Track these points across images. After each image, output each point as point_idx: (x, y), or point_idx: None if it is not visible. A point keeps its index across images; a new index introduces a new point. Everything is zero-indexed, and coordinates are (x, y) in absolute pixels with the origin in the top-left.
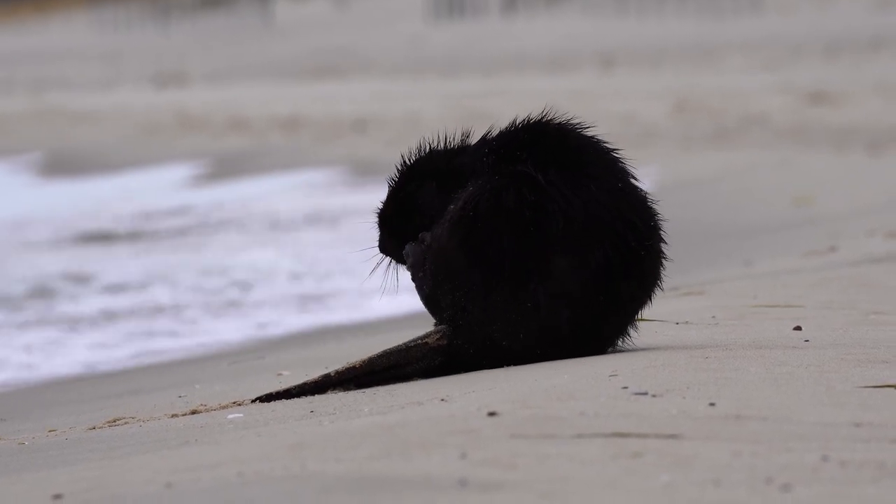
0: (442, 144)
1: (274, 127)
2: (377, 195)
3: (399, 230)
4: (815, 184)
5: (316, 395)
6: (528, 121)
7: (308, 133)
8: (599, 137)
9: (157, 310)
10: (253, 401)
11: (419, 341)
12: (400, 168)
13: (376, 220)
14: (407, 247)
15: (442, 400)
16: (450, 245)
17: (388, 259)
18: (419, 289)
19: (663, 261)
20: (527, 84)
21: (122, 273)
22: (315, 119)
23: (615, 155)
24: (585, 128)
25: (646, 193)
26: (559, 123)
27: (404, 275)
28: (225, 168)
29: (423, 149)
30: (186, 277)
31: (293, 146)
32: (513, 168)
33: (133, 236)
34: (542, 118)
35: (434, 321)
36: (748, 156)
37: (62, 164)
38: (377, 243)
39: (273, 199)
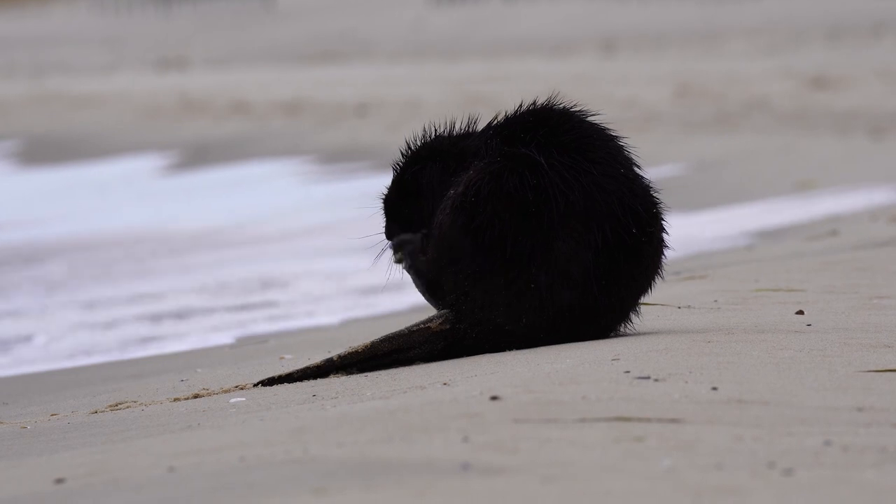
0: (447, 130)
1: (275, 111)
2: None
3: (404, 215)
4: (818, 168)
5: (318, 380)
6: (533, 105)
7: (309, 117)
8: (603, 124)
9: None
10: (255, 385)
11: (421, 325)
12: (405, 152)
13: (381, 206)
14: (393, 241)
15: (444, 384)
16: (452, 230)
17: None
18: (416, 279)
19: (665, 249)
20: (528, 68)
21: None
22: (316, 103)
23: (619, 142)
24: (590, 114)
25: (648, 181)
26: (563, 108)
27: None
28: (218, 154)
29: (428, 134)
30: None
31: (293, 130)
32: (515, 150)
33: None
34: (547, 103)
35: (435, 308)
36: (750, 140)
37: (47, 151)
38: (383, 230)
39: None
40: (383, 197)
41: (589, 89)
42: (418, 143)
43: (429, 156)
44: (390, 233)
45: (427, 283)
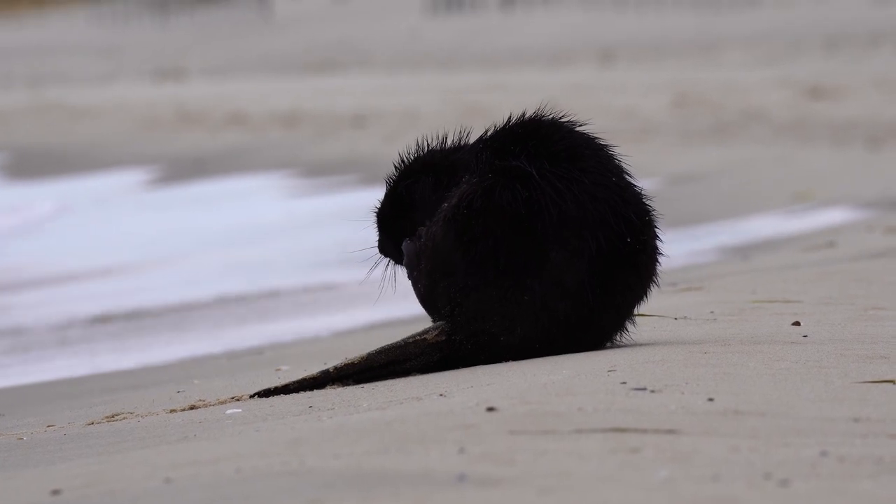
0: (440, 143)
1: (273, 122)
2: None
3: (397, 229)
4: (815, 179)
5: (315, 391)
6: (523, 116)
7: (307, 128)
8: (594, 134)
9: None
10: (251, 396)
11: (417, 337)
12: (398, 165)
13: (374, 219)
14: (404, 244)
15: (440, 395)
16: (444, 243)
17: (387, 260)
18: (415, 287)
19: (659, 256)
20: (525, 78)
21: None
22: (314, 114)
23: (609, 151)
24: (580, 124)
25: (641, 190)
26: (553, 119)
27: (403, 276)
28: (214, 166)
29: (421, 147)
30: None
31: (290, 142)
32: (507, 163)
33: None
34: (537, 114)
35: (432, 320)
36: (748, 150)
37: (37, 164)
38: (376, 244)
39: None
40: (376, 210)
41: (586, 99)
42: (411, 157)
43: (421, 169)
44: (383, 247)
45: (421, 295)
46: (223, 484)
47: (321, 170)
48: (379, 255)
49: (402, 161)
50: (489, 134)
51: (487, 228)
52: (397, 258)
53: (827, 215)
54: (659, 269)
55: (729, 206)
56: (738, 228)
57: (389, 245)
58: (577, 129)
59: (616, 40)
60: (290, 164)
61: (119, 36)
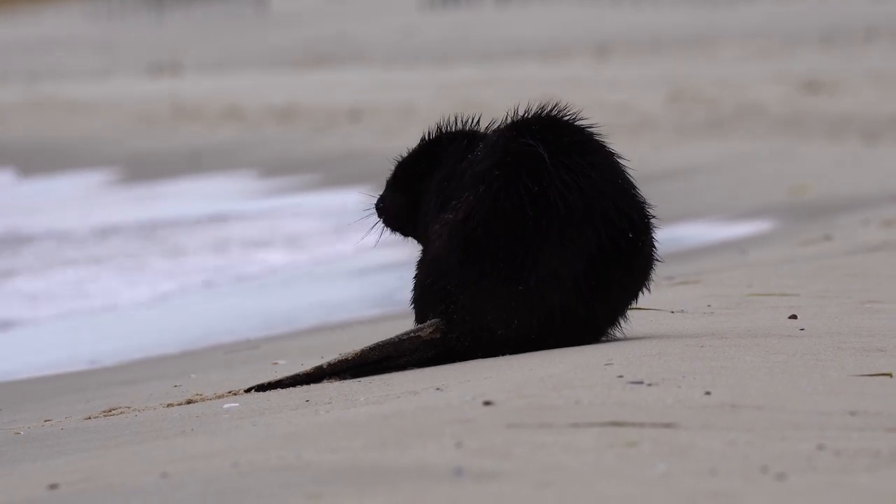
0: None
1: (269, 117)
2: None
3: (413, 182)
4: (811, 173)
5: (311, 385)
6: (543, 112)
7: (303, 123)
8: (603, 140)
9: None
10: (248, 390)
11: (412, 334)
12: (439, 125)
13: (391, 172)
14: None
15: (437, 389)
16: (445, 253)
17: (377, 220)
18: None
19: (653, 263)
20: (521, 73)
21: None
22: (310, 109)
23: (618, 158)
24: (596, 135)
25: (642, 198)
26: (570, 118)
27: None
28: (211, 161)
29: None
30: None
31: (287, 137)
32: (521, 145)
33: None
34: (553, 111)
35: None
36: (744, 145)
37: (33, 160)
38: (376, 199)
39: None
40: (398, 159)
41: (582, 94)
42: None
43: (458, 132)
44: (380, 204)
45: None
46: (220, 478)
47: (324, 166)
48: (374, 210)
49: (448, 126)
50: (508, 121)
51: (491, 232)
52: (393, 222)
53: (823, 209)
54: (652, 274)
55: (725, 200)
56: (734, 222)
57: (388, 199)
58: (593, 133)
59: (612, 35)
60: (286, 159)
61: (114, 31)
